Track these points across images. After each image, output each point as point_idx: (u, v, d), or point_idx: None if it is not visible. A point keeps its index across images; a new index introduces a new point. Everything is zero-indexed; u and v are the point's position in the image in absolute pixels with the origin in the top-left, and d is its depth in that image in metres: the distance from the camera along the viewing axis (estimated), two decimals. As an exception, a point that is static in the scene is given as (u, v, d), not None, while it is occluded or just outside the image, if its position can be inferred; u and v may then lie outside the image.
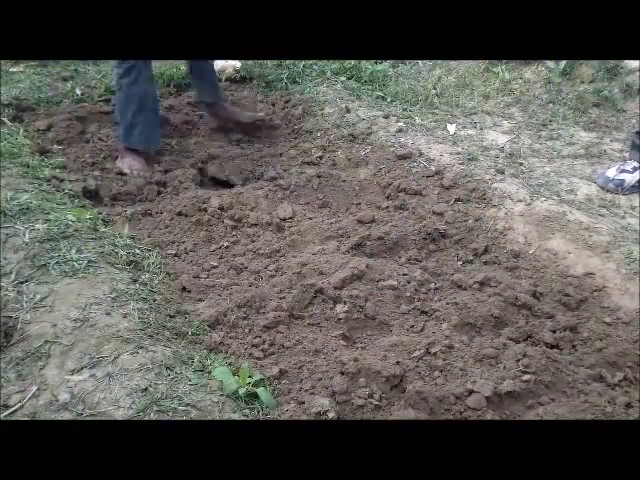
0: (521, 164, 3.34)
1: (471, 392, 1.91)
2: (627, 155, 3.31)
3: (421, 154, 3.40)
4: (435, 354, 2.09)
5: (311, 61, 4.50)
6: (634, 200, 3.03)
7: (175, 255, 2.68)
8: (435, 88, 4.29)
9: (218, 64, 4.39)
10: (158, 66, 4.23)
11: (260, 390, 1.87)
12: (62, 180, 2.99)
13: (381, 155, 3.45)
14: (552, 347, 2.19)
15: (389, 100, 4.17)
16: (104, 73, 4.20)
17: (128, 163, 3.32)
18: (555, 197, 3.00)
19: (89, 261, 2.31)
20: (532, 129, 3.79)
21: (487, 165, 3.30)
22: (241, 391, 1.86)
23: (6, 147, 3.09)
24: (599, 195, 3.07)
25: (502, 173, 3.21)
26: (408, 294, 2.42)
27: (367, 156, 3.50)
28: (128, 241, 2.58)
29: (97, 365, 1.86)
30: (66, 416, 1.69)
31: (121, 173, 3.28)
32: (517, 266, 2.63)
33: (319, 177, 3.29)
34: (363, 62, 4.51)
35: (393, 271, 2.53)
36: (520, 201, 2.95)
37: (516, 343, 2.18)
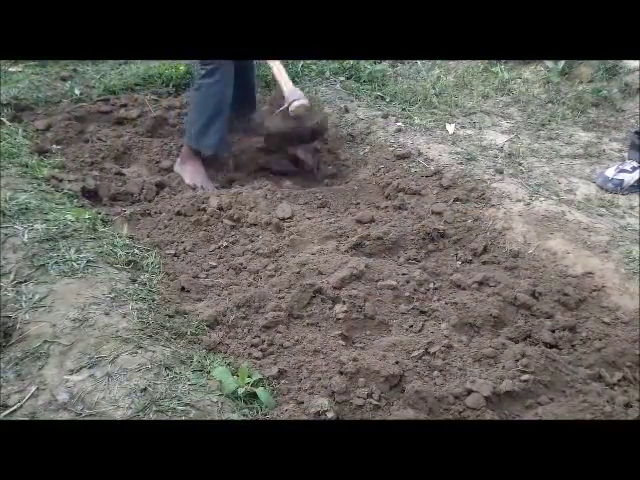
0: (520, 164, 3.34)
1: (470, 392, 1.91)
2: (626, 155, 3.31)
3: (420, 154, 3.40)
4: (434, 354, 2.09)
5: (310, 61, 4.50)
6: (633, 200, 3.03)
7: (174, 255, 2.68)
8: (434, 88, 4.29)
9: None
10: (157, 66, 4.22)
11: (259, 390, 1.87)
12: (61, 180, 2.99)
13: (380, 155, 3.45)
14: (551, 347, 2.19)
15: (388, 100, 4.16)
16: (103, 73, 4.20)
17: (190, 173, 3.29)
18: (554, 197, 3.00)
19: (88, 261, 2.31)
20: (531, 129, 3.79)
21: (486, 165, 3.30)
22: (240, 391, 1.86)
23: (5, 147, 3.09)
24: (598, 195, 3.07)
25: (501, 173, 3.21)
26: (407, 294, 2.42)
27: (366, 156, 3.50)
28: (127, 241, 2.58)
29: (96, 365, 1.85)
30: (65, 416, 1.69)
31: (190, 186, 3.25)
32: (516, 266, 2.63)
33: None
34: (362, 62, 4.51)
35: (392, 271, 2.53)
36: (519, 201, 2.95)
37: (515, 343, 2.18)
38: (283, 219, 2.95)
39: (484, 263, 2.68)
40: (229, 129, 3.47)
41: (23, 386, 1.78)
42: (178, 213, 2.93)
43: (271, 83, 4.31)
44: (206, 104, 3.22)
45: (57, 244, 2.36)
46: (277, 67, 3.27)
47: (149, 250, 2.60)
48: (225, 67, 3.14)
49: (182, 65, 4.20)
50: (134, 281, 2.32)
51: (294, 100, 3.18)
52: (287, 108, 3.21)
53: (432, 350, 2.10)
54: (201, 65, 3.17)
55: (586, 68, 4.23)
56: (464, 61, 4.58)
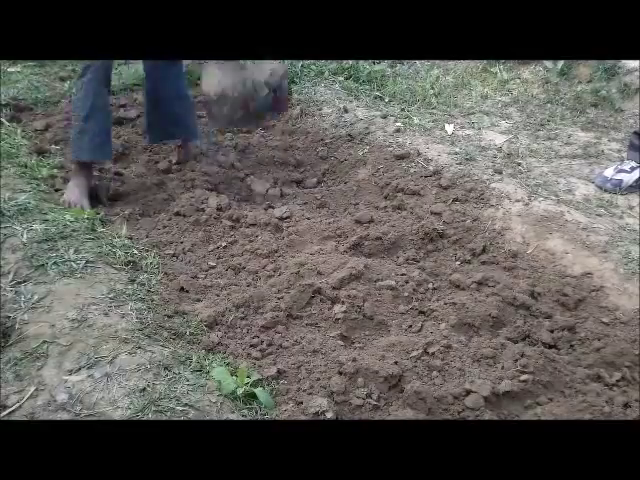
0: (519, 164, 3.34)
1: (469, 392, 1.91)
2: (625, 155, 3.31)
3: (419, 154, 3.40)
4: (433, 354, 2.09)
5: (309, 61, 4.50)
6: (632, 200, 3.03)
7: (173, 255, 2.68)
8: (433, 88, 4.29)
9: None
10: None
11: (258, 390, 1.86)
12: (61, 180, 2.99)
13: (379, 155, 3.45)
14: (550, 347, 2.19)
15: (387, 100, 4.17)
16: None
17: (70, 188, 2.89)
18: (553, 197, 3.00)
19: (87, 261, 2.31)
20: (530, 129, 3.80)
21: (485, 165, 3.30)
22: (239, 391, 1.86)
23: (4, 147, 3.09)
24: (597, 195, 3.07)
25: (500, 173, 3.21)
26: (406, 294, 2.42)
27: (365, 156, 3.50)
28: (126, 241, 2.58)
29: (95, 365, 1.85)
30: (64, 416, 1.69)
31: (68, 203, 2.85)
32: (515, 266, 2.63)
33: (317, 177, 3.29)
34: (361, 62, 4.51)
35: (391, 271, 2.53)
36: (518, 201, 2.96)
37: (514, 343, 2.18)
38: (282, 219, 2.95)
39: (483, 263, 2.68)
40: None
41: (22, 386, 1.78)
42: (177, 213, 2.93)
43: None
44: (81, 107, 2.89)
45: (56, 244, 2.36)
46: None
47: (148, 250, 2.60)
48: (97, 65, 2.82)
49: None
50: (133, 281, 2.32)
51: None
52: None
53: (431, 350, 2.10)
54: (81, 65, 2.91)
55: (585, 68, 4.23)
56: (463, 61, 4.59)
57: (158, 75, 3.12)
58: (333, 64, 4.51)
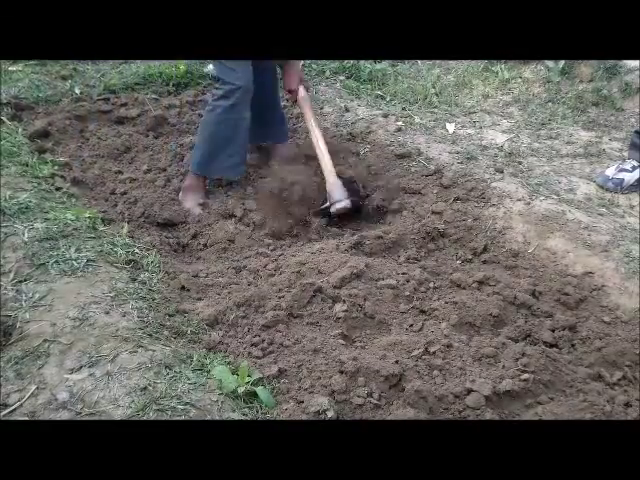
0: (520, 163, 3.33)
1: (470, 391, 1.91)
2: (626, 154, 3.31)
3: (420, 153, 3.40)
4: (434, 353, 2.09)
5: (310, 60, 4.50)
6: (633, 199, 3.03)
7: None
8: (434, 87, 4.29)
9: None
10: (157, 65, 4.22)
11: (259, 389, 1.87)
12: (62, 178, 2.99)
13: (380, 154, 3.45)
14: (551, 346, 2.19)
15: (388, 99, 4.17)
16: (103, 72, 4.19)
17: (191, 203, 3.04)
18: (554, 196, 3.00)
19: (88, 260, 2.31)
20: (531, 128, 3.79)
21: (486, 164, 3.29)
22: (240, 390, 1.86)
23: (5, 146, 3.09)
24: (598, 194, 3.07)
25: (501, 172, 3.20)
26: (407, 293, 2.42)
27: (366, 155, 3.50)
28: (127, 240, 2.58)
29: (96, 364, 1.85)
30: (65, 415, 1.69)
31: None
32: (516, 265, 2.63)
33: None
34: (362, 61, 4.51)
35: (392, 270, 2.53)
36: (519, 200, 2.95)
37: (515, 342, 2.18)
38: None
39: (484, 262, 2.68)
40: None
41: (23, 385, 1.78)
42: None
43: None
44: (220, 129, 2.92)
45: (57, 243, 2.36)
46: (321, 151, 3.07)
47: (149, 249, 2.60)
48: (244, 88, 2.81)
49: (182, 64, 4.20)
50: (134, 280, 2.32)
51: (336, 202, 2.99)
52: (328, 207, 3.03)
53: (432, 349, 2.10)
54: (218, 85, 2.89)
55: (586, 67, 4.23)
56: (464, 61, 4.58)
57: (258, 81, 3.02)
58: (334, 63, 4.51)
